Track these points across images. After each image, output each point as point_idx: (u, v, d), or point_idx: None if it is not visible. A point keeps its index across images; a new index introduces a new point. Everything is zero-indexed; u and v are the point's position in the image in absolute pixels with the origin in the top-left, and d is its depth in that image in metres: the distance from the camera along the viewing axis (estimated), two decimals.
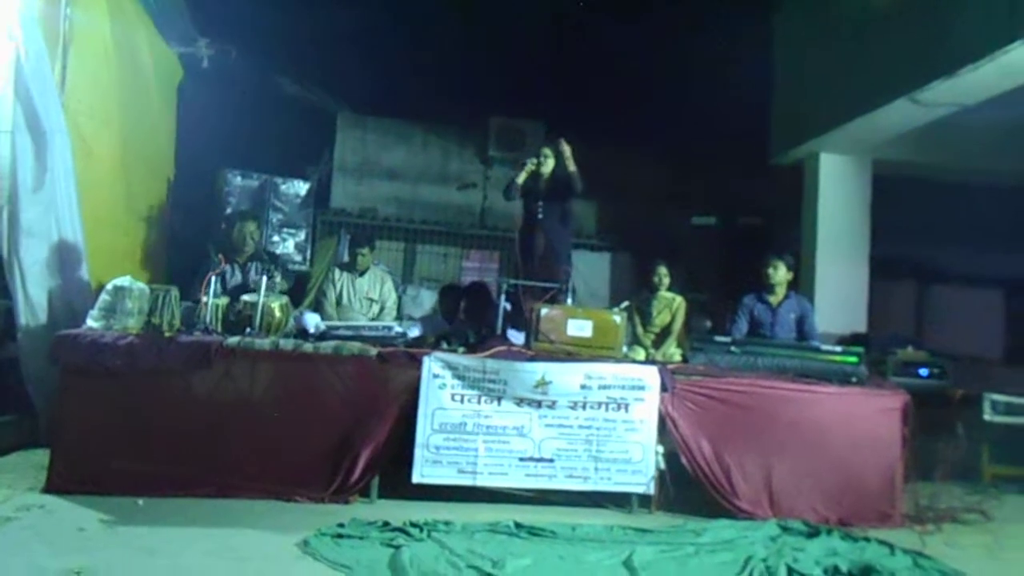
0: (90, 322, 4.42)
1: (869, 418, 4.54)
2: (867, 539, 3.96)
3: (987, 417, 5.63)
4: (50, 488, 4.01)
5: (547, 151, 5.72)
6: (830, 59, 7.61)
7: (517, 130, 9.76)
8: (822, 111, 7.59)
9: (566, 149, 5.60)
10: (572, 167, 5.61)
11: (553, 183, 5.71)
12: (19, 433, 4.89)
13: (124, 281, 4.52)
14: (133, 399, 4.16)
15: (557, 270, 5.55)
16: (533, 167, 5.66)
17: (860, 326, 7.67)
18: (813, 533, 4.02)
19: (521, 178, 5.65)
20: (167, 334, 4.32)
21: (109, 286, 4.51)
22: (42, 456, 4.28)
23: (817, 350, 4.92)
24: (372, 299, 5.99)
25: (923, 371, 6.29)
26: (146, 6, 6.99)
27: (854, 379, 4.67)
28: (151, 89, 7.02)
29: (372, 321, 5.73)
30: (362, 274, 6.04)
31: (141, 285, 4.55)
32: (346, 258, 6.96)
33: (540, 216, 5.64)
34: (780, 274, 5.65)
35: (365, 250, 6.04)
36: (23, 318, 4.84)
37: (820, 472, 4.46)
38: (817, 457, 4.47)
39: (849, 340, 6.47)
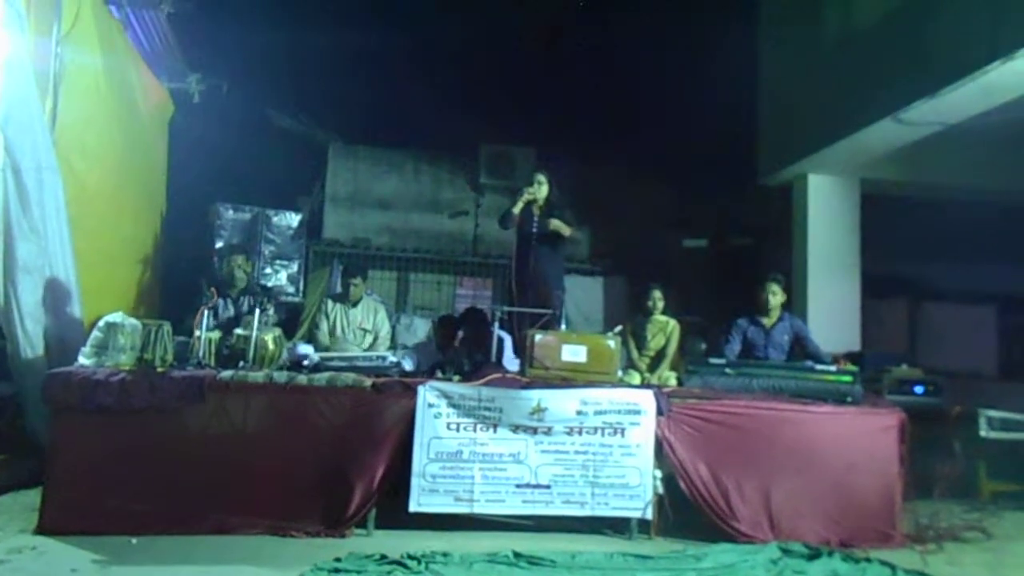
0: (82, 359, 4.40)
1: (866, 437, 4.53)
2: (868, 560, 3.94)
3: (983, 433, 5.62)
4: (42, 529, 3.95)
5: (541, 177, 5.74)
6: (815, 81, 7.71)
7: (508, 157, 9.84)
8: (808, 133, 7.67)
9: (555, 222, 5.62)
10: (566, 231, 5.67)
11: (548, 210, 5.74)
12: (10, 474, 4.82)
13: (116, 317, 4.51)
14: (126, 436, 4.12)
15: (550, 296, 5.56)
16: (530, 196, 5.67)
17: (854, 345, 7.68)
18: (814, 555, 3.99)
19: (518, 208, 5.65)
20: (160, 369, 4.29)
21: (101, 322, 4.50)
22: (33, 497, 4.23)
23: (811, 370, 4.92)
24: (366, 329, 5.98)
25: (918, 388, 6.30)
26: (137, 43, 7.06)
27: (849, 398, 4.67)
28: (143, 125, 7.06)
29: (366, 351, 5.73)
30: (355, 304, 6.03)
31: (133, 321, 4.54)
32: (339, 289, 6.96)
33: (535, 243, 5.65)
34: (778, 298, 5.68)
35: (358, 280, 6.04)
36: (24, 355, 4.83)
37: (819, 493, 4.44)
38: (815, 478, 4.45)
39: (843, 359, 6.47)
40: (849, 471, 4.46)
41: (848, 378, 4.77)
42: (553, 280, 5.67)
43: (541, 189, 5.70)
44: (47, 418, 4.46)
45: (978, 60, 5.43)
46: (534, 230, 5.66)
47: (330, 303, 6.07)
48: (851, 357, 6.72)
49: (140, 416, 4.12)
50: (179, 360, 4.50)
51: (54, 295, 5.01)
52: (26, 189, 4.83)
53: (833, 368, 4.94)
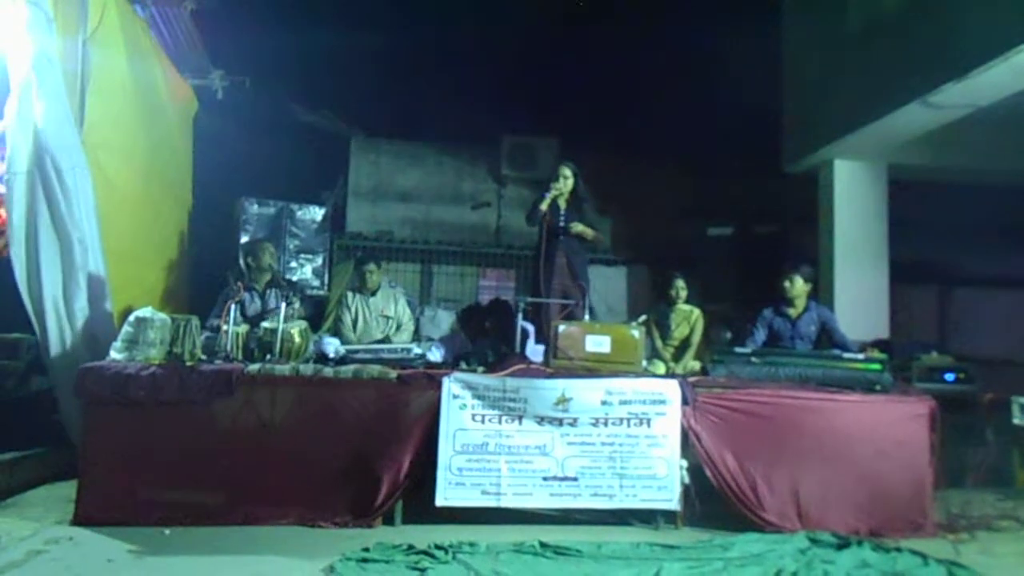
0: (113, 354, 4.47)
1: (896, 425, 4.48)
2: (899, 549, 3.90)
3: (1016, 421, 5.51)
4: (78, 520, 4.04)
5: (566, 171, 5.71)
6: (840, 65, 7.59)
7: (529, 148, 9.81)
8: (834, 118, 7.56)
9: (578, 226, 5.63)
10: (589, 235, 5.68)
11: (575, 202, 5.72)
12: (47, 466, 4.94)
13: (146, 312, 4.57)
14: (157, 429, 4.19)
15: (575, 286, 5.56)
16: (556, 192, 5.65)
17: (883, 332, 7.58)
18: (843, 545, 3.96)
19: (545, 204, 5.61)
20: (189, 363, 4.36)
21: (131, 317, 4.57)
22: (69, 488, 4.31)
23: (839, 358, 4.86)
24: (388, 316, 6.02)
25: (949, 376, 6.19)
26: (161, 41, 7.13)
27: (878, 386, 4.61)
28: (168, 122, 7.13)
29: (389, 338, 5.77)
30: (374, 293, 6.07)
31: (162, 316, 4.60)
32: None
33: (561, 236, 5.64)
34: (797, 287, 5.58)
35: (371, 266, 6.06)
36: (66, 351, 4.94)
37: (848, 482, 4.40)
38: (844, 467, 4.41)
39: (871, 347, 6.39)
40: (879, 460, 4.41)
41: (877, 366, 4.72)
42: (579, 271, 5.65)
43: (567, 183, 5.67)
44: (80, 411, 4.56)
45: (1008, 40, 5.31)
46: (561, 224, 5.64)
47: (350, 295, 6.12)
48: (880, 344, 6.64)
49: (171, 409, 4.19)
50: (207, 354, 4.57)
51: (87, 292, 5.09)
52: (68, 189, 4.92)
53: (861, 356, 4.88)
